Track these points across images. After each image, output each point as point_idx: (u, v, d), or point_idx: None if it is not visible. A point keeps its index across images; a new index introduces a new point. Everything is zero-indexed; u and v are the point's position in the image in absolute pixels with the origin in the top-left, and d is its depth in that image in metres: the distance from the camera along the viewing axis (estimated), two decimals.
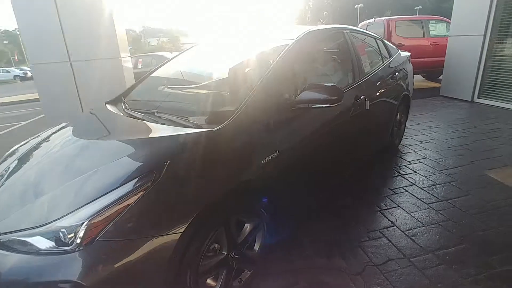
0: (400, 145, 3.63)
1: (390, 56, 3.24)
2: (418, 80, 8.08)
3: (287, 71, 1.85)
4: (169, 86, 2.23)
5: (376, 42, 3.22)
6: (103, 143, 1.73)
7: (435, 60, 6.43)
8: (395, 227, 2.11)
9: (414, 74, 7.02)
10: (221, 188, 1.38)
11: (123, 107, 2.08)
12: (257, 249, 1.70)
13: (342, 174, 2.50)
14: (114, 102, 2.28)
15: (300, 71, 2.00)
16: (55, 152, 1.68)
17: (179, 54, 2.68)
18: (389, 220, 2.19)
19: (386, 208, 2.35)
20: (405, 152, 3.44)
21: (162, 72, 2.51)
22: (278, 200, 1.73)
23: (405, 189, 2.60)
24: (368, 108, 2.39)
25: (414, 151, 3.42)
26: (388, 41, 6.30)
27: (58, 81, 3.75)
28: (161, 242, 1.18)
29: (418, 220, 2.17)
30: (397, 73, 3.10)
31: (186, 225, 1.22)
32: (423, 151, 3.41)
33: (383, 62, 3.06)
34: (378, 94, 2.72)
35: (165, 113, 1.77)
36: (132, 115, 1.89)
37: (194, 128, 1.53)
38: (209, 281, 1.49)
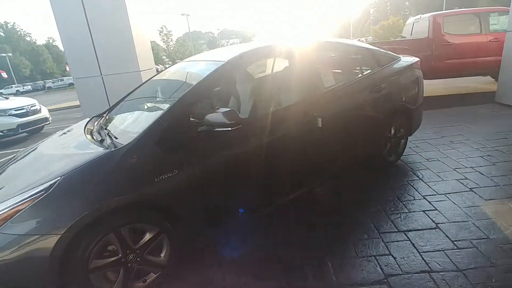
0: (400, 161, 3.30)
1: (380, 65, 2.97)
2: (483, 82, 6.91)
3: (203, 95, 1.99)
4: (127, 105, 2.59)
5: (360, 52, 3.01)
6: (41, 155, 2.15)
7: (496, 60, 5.41)
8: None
9: (475, 75, 6.16)
10: (106, 202, 1.62)
11: (95, 122, 2.51)
12: (162, 255, 1.90)
13: (291, 192, 2.44)
14: (98, 116, 2.75)
15: (223, 93, 2.11)
16: (19, 161, 2.19)
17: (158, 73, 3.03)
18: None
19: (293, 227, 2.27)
20: (398, 171, 3.12)
21: (140, 90, 2.87)
22: (186, 215, 1.89)
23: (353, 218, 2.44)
24: (321, 125, 2.33)
25: (410, 170, 3.09)
26: (435, 40, 5.65)
27: (93, 92, 4.52)
28: (43, 241, 1.50)
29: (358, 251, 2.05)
30: (383, 84, 2.84)
31: (65, 230, 1.51)
32: (421, 171, 3.04)
33: (362, 74, 2.86)
34: (347, 108, 2.58)
35: (111, 131, 2.11)
36: (90, 130, 2.30)
37: (107, 147, 1.82)
38: (109, 277, 1.76)
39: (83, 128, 2.45)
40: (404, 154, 3.48)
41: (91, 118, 2.74)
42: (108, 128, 2.23)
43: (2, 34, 67.88)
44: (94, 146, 1.94)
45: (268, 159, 2.12)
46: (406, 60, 3.27)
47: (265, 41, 2.73)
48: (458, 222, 2.21)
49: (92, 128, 2.40)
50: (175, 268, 1.96)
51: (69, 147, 2.15)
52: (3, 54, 44.63)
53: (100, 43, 4.32)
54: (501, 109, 4.80)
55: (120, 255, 1.73)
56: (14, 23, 69.58)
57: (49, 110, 8.72)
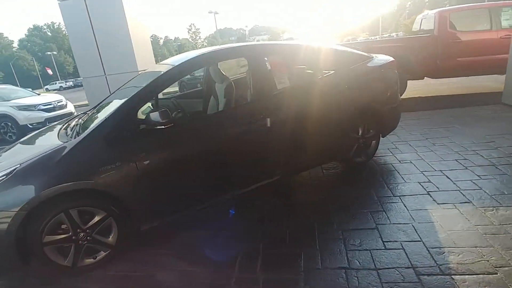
0: (372, 162, 3.29)
1: (345, 66, 2.97)
2: (497, 81, 6.47)
3: (148, 96, 2.21)
4: (103, 104, 2.88)
5: (319, 52, 3.04)
6: (22, 145, 2.50)
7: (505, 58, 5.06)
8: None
9: (486, 74, 5.80)
10: (54, 187, 1.89)
11: (78, 119, 2.84)
12: (111, 237, 2.16)
13: (238, 188, 2.53)
14: (84, 113, 3.08)
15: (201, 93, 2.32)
16: (11, 148, 2.56)
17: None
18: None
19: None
20: (364, 172, 3.12)
21: (118, 90, 3.16)
22: (133, 203, 2.13)
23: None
24: (269, 125, 2.45)
25: (378, 172, 3.08)
26: (441, 37, 5.40)
27: (99, 90, 4.95)
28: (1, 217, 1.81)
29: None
30: (346, 85, 2.86)
31: (19, 208, 1.81)
32: (388, 172, 3.03)
33: (321, 75, 2.91)
34: (303, 109, 2.66)
35: (80, 126, 2.41)
36: (67, 125, 2.63)
37: (63, 142, 2.12)
38: (62, 251, 2.05)
39: (64, 124, 2.78)
40: (379, 155, 3.48)
41: (79, 114, 3.08)
42: (79, 123, 2.53)
43: (49, 33, 73.60)
44: (55, 140, 2.25)
45: (208, 157, 2.30)
46: (380, 60, 3.24)
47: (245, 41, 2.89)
48: (398, 224, 2.23)
49: (70, 124, 2.72)
50: (125, 249, 2.21)
51: (42, 140, 2.48)
52: (49, 53, 48.54)
53: (103, 46, 4.72)
54: (505, 111, 4.52)
55: (70, 233, 2.01)
56: (60, 23, 75.13)
57: (79, 105, 9.52)
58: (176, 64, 2.36)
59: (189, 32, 50.37)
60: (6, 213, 1.81)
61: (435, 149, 3.44)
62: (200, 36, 51.47)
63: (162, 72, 2.29)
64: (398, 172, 3.01)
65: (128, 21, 4.57)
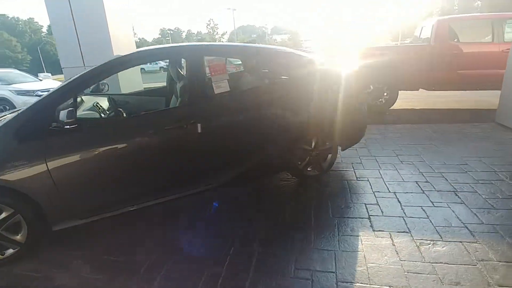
0: (329, 176, 3.09)
1: (299, 72, 2.78)
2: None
3: (69, 95, 2.13)
4: None
5: (271, 56, 2.86)
6: None
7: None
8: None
9: (486, 89, 5.41)
10: None
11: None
12: (20, 234, 2.09)
13: (165, 194, 2.40)
14: None
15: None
16: None
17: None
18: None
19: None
20: (313, 187, 2.92)
21: None
22: (45, 202, 2.06)
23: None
24: (200, 131, 2.32)
25: (327, 188, 2.87)
26: (438, 47, 5.06)
27: None
28: None
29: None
30: (296, 94, 2.67)
31: None
32: (338, 190, 2.82)
33: (266, 81, 2.74)
34: (240, 117, 2.51)
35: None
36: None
37: None
38: None
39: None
40: (339, 169, 3.27)
41: None
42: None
43: None
44: None
45: (123, 162, 2.19)
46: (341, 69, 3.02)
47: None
48: (321, 249, 2.04)
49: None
50: (34, 247, 2.15)
51: None
52: None
53: (83, 38, 4.72)
54: (496, 131, 4.16)
55: None
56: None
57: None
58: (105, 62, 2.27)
59: (207, 27, 50.58)
60: None
61: (400, 168, 3.19)
62: (217, 32, 51.41)
63: (88, 70, 2.21)
64: (349, 191, 2.80)
65: (107, 15, 4.54)
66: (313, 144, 2.90)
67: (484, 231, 2.11)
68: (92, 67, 2.28)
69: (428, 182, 2.84)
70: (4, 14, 64.26)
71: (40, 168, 1.97)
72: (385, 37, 30.39)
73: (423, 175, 2.98)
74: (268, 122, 2.61)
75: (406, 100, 6.66)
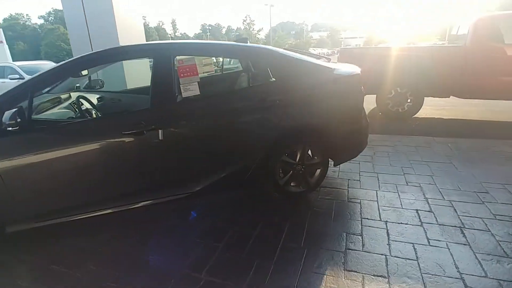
0: (319, 195, 2.72)
1: (287, 75, 2.44)
2: None
3: (22, 96, 2.02)
4: None
5: (255, 56, 2.56)
6: None
7: None
8: None
9: None
10: None
11: None
12: None
13: (119, 204, 2.23)
14: None
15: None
16: None
17: None
18: None
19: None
20: (293, 208, 2.57)
21: None
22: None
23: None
24: (162, 138, 2.11)
25: (310, 209, 2.51)
26: (474, 49, 4.37)
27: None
28: None
29: None
30: (278, 99, 2.35)
31: None
32: (323, 213, 2.45)
33: (248, 84, 2.44)
34: (208, 123, 2.27)
35: None
36: None
37: None
38: None
39: None
40: (332, 186, 2.89)
41: None
42: None
43: None
44: None
45: (74, 166, 2.05)
46: (340, 71, 2.63)
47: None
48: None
49: None
50: None
51: None
52: None
53: (93, 31, 4.76)
54: None
55: None
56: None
57: None
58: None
59: (243, 23, 50.56)
60: None
61: (402, 190, 2.73)
62: (254, 28, 51.09)
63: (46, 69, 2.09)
64: (334, 214, 2.42)
65: (115, 11, 4.52)
66: (297, 156, 2.56)
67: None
68: (52, 67, 2.17)
69: (432, 212, 2.38)
70: (61, 10, 69.89)
71: None
72: (433, 36, 27.96)
73: (428, 202, 2.51)
74: (241, 130, 2.33)
75: (435, 107, 5.96)
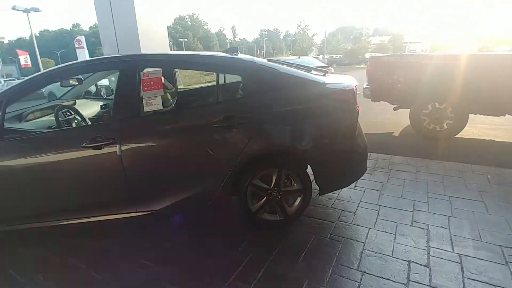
0: (296, 224, 2.37)
1: (247, 91, 2.18)
2: None
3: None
4: None
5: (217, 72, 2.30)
6: None
7: None
8: None
9: None
10: None
11: None
12: None
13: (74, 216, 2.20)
14: None
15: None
16: None
17: None
18: None
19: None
20: (257, 240, 2.26)
21: None
22: None
23: None
24: (119, 153, 2.02)
25: (275, 247, 2.18)
26: None
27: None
28: None
29: None
30: (249, 114, 2.08)
31: None
32: (290, 253, 2.09)
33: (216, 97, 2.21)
34: (161, 139, 2.11)
35: None
36: None
37: None
38: None
39: None
40: (318, 216, 2.50)
41: None
42: None
43: (189, 23, 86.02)
44: None
45: (36, 175, 2.07)
46: (330, 85, 2.26)
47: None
48: None
49: None
50: None
51: None
52: (181, 39, 56.71)
53: (120, 37, 5.02)
54: None
55: None
56: (198, 14, 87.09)
57: None
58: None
59: (297, 28, 49.72)
60: None
61: (402, 233, 2.21)
62: (307, 33, 49.73)
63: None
64: (302, 253, 2.04)
65: (137, 19, 4.69)
66: (272, 180, 2.26)
67: None
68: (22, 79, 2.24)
69: (428, 267, 1.87)
70: None
71: None
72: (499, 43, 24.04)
73: (429, 253, 1.99)
74: (203, 148, 2.13)
75: (489, 125, 4.99)
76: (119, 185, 2.15)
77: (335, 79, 2.42)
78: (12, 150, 2.08)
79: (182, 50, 62.29)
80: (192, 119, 2.17)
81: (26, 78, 2.26)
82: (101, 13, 5.29)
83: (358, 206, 2.63)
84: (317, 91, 2.22)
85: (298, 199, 2.34)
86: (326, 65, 12.88)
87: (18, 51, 24.43)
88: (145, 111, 2.11)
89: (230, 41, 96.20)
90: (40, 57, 22.78)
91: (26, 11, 21.39)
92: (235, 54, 2.40)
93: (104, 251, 2.22)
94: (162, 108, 2.13)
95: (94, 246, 2.28)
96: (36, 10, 21.57)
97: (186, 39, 67.02)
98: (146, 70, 2.16)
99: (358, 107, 2.30)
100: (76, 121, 2.69)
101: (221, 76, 2.78)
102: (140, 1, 4.92)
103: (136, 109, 2.10)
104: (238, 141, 2.11)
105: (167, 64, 2.49)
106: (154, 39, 5.21)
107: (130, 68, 2.15)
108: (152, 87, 2.13)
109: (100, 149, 2.01)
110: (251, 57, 2.38)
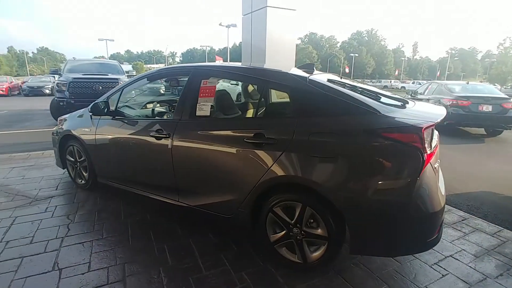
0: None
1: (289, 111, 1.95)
2: None
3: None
4: None
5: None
6: None
7: None
8: None
9: None
10: None
11: None
12: None
13: None
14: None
15: None
16: None
17: None
18: None
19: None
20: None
21: None
22: None
23: None
24: (170, 147, 2.38)
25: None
26: None
27: None
28: None
29: None
30: (270, 139, 1.91)
31: None
32: None
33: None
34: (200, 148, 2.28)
35: None
36: None
37: None
38: None
39: None
40: (347, 280, 1.99)
41: None
42: None
43: (365, 38, 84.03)
44: None
45: None
46: (395, 119, 1.73)
47: None
48: None
49: None
50: None
51: None
52: (352, 54, 56.15)
53: (255, 55, 5.64)
54: None
55: None
56: (377, 30, 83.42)
57: None
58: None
59: (499, 47, 38.00)
60: None
61: None
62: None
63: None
64: None
65: (267, 35, 5.13)
66: (296, 213, 1.98)
67: None
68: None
69: None
70: (315, 33, 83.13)
71: None
72: None
73: None
74: (228, 160, 2.14)
75: None
76: (168, 173, 2.49)
77: (407, 113, 1.84)
78: (115, 127, 2.82)
79: (351, 65, 61.63)
80: (229, 129, 2.21)
81: (136, 76, 3.00)
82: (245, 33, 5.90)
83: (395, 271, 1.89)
84: (366, 123, 1.76)
85: (322, 247, 1.95)
86: (505, 97, 7.76)
87: (217, 57, 31.75)
88: (196, 115, 2.34)
89: (407, 58, 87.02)
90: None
91: (228, 26, 27.27)
92: (310, 72, 2.24)
93: None
94: (208, 114, 2.30)
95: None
96: (234, 26, 27.14)
97: (357, 54, 65.77)
98: (207, 79, 2.39)
99: (427, 155, 1.66)
100: (166, 115, 3.25)
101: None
102: (271, 24, 5.26)
103: (190, 112, 2.36)
104: (262, 161, 1.99)
105: (219, 75, 2.66)
106: (280, 52, 5.46)
107: (194, 76, 2.46)
108: (207, 94, 2.34)
109: (159, 140, 2.41)
110: (306, 74, 2.15)
